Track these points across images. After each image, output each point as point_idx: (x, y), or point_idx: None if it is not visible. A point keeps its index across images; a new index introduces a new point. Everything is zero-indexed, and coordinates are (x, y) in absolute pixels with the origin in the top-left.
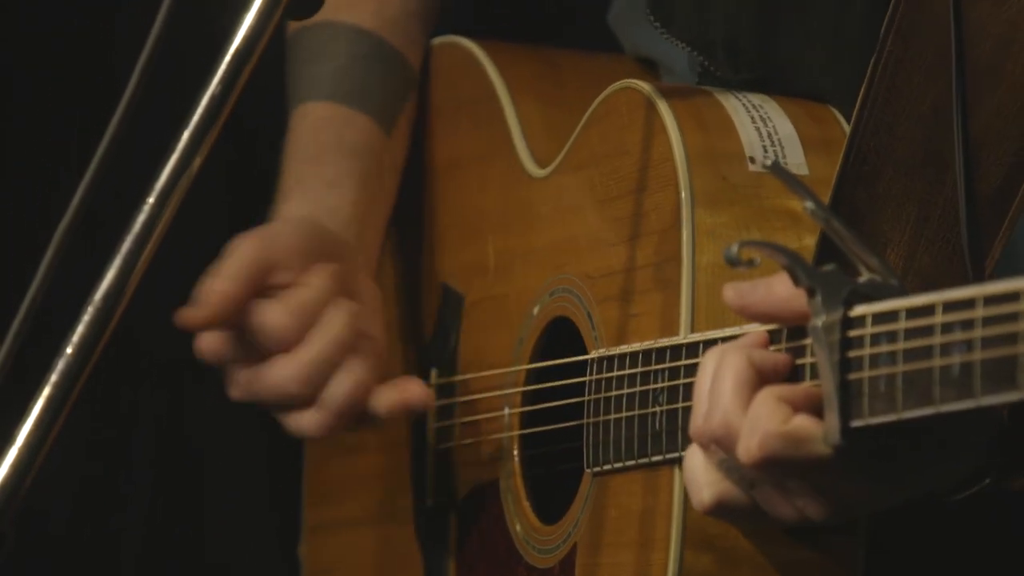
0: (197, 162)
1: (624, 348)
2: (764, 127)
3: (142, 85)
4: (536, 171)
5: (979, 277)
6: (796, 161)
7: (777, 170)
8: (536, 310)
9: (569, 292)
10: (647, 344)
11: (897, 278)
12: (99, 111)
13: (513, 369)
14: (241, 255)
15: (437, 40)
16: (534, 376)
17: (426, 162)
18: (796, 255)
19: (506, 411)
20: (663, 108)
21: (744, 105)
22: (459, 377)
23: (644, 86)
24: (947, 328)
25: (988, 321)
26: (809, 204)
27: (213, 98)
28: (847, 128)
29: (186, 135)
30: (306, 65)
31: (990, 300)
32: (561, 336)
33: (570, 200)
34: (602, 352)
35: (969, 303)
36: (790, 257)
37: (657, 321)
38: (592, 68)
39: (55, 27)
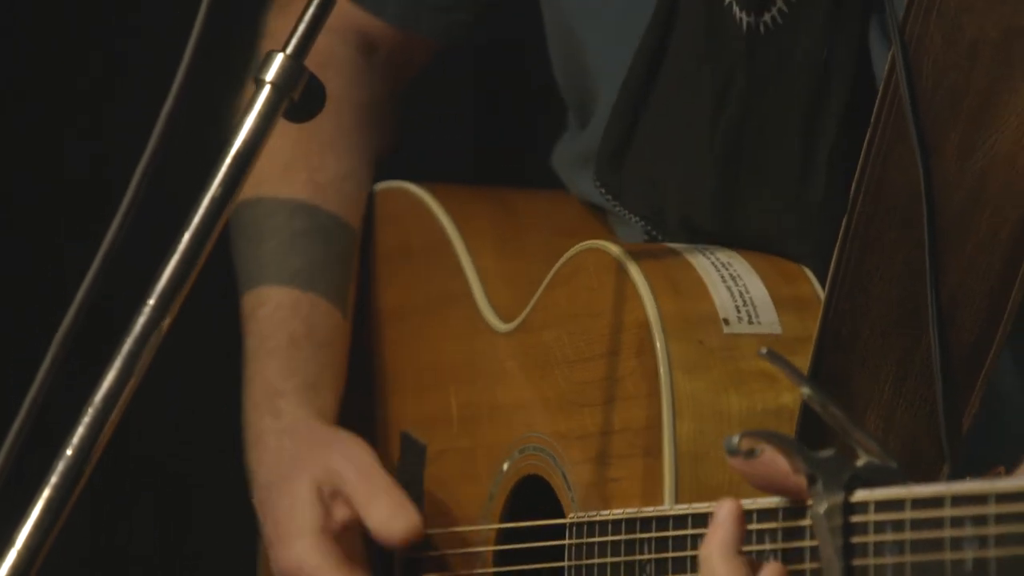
0: (198, 264)
1: (605, 514)
2: (735, 286)
3: (143, 187)
4: (499, 325)
5: (954, 437)
6: (769, 320)
7: (772, 357)
8: (506, 466)
9: (541, 451)
10: (631, 512)
11: (896, 460)
12: (98, 215)
13: (486, 527)
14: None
15: (381, 186)
16: (506, 535)
17: (373, 308)
18: (794, 443)
19: (478, 570)
20: (634, 272)
21: (714, 264)
22: (426, 531)
23: (612, 248)
24: (957, 522)
25: (1002, 519)
26: (806, 390)
27: (214, 200)
28: (817, 285)
29: (187, 236)
30: (249, 245)
31: (1002, 498)
32: (533, 495)
33: (538, 358)
34: (581, 516)
35: (981, 499)
36: (789, 445)
37: (638, 487)
38: (546, 212)
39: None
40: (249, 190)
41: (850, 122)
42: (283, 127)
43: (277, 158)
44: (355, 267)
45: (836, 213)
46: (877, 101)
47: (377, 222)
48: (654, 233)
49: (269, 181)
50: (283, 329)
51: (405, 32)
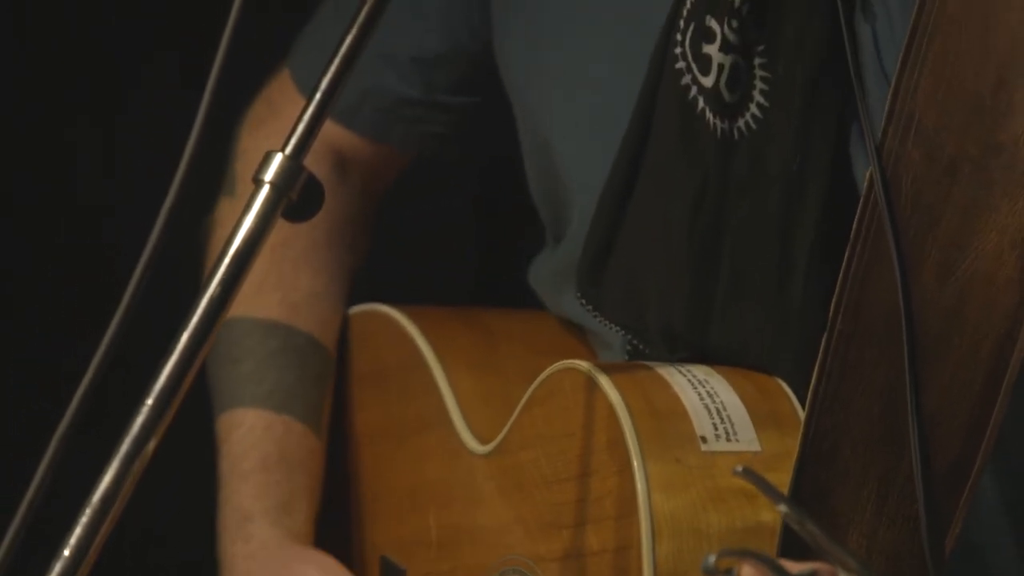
0: (196, 363)
1: None
2: (712, 403)
3: (140, 289)
4: (477, 447)
5: (938, 557)
6: (747, 438)
7: (749, 475)
8: None
9: (520, 573)
10: None
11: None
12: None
13: None
14: None
15: (355, 309)
16: None
17: (350, 430)
18: (773, 561)
19: None
20: (610, 391)
21: (690, 382)
22: None
23: (588, 367)
24: None
25: None
26: (783, 508)
27: (212, 300)
28: (795, 401)
29: (185, 337)
30: (224, 366)
31: None
32: None
33: (516, 480)
34: None
35: None
36: (767, 563)
37: None
38: (523, 331)
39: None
40: None
41: (830, 229)
42: None
43: (251, 277)
44: (330, 387)
45: (815, 322)
46: (856, 220)
47: (352, 344)
48: (635, 343)
49: (243, 301)
50: (256, 452)
51: (378, 145)
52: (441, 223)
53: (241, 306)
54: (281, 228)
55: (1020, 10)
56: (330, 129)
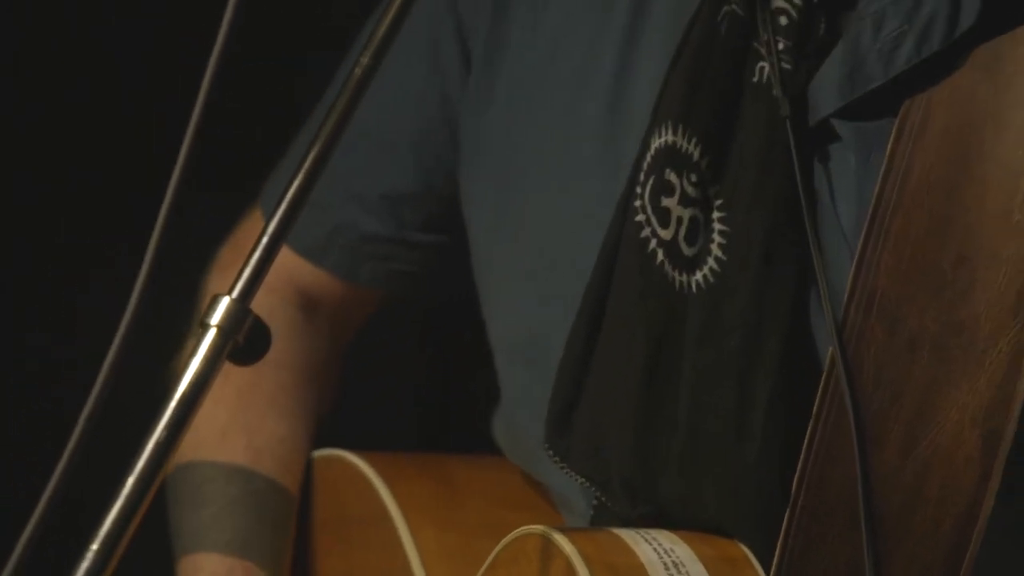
0: (143, 508)
1: None
2: (678, 573)
3: (87, 432)
4: None
5: None
6: None
7: None
8: None
9: None
10: None
11: None
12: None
13: None
14: None
15: (319, 453)
16: None
17: None
18: None
19: None
20: (575, 559)
21: (656, 551)
22: None
23: (554, 535)
24: None
25: None
26: None
27: (159, 444)
28: (760, 569)
29: (131, 481)
30: (186, 511)
31: None
32: None
33: None
34: None
35: None
36: None
37: None
38: (487, 482)
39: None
40: (188, 454)
41: (787, 384)
42: (222, 390)
43: (216, 422)
44: (292, 533)
45: (773, 479)
46: (818, 396)
47: (316, 489)
48: (598, 494)
49: (207, 446)
50: None
51: (346, 283)
52: (402, 363)
53: (206, 450)
54: (247, 370)
55: (981, 188)
56: (298, 267)
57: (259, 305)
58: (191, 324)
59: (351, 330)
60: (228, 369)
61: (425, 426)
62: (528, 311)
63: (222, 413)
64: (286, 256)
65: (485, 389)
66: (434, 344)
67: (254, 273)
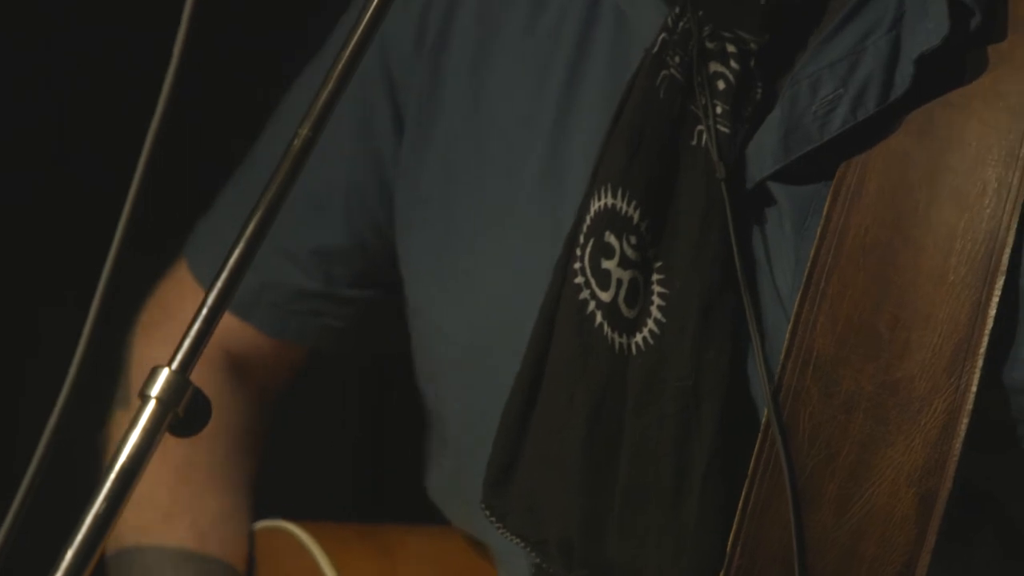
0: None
1: None
2: None
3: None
4: None
5: None
6: None
7: None
8: None
9: None
10: None
11: None
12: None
13: None
14: None
15: (261, 525)
16: None
17: None
18: None
19: None
20: None
21: None
22: None
23: None
24: None
25: None
26: None
27: (97, 517)
28: None
29: (70, 554)
30: None
31: None
32: None
33: None
34: None
35: None
36: None
37: None
38: (428, 552)
39: None
40: (131, 537)
41: (726, 444)
42: (160, 470)
43: (158, 505)
44: None
45: (712, 538)
46: (753, 456)
47: (259, 562)
48: (538, 561)
49: (151, 531)
50: None
51: (275, 339)
52: (337, 423)
53: (150, 535)
54: (182, 446)
55: (916, 250)
56: (226, 323)
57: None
58: (115, 388)
59: (278, 388)
60: (164, 446)
61: (359, 487)
62: (469, 373)
63: (163, 494)
64: None
65: (421, 447)
66: (369, 404)
67: (194, 344)
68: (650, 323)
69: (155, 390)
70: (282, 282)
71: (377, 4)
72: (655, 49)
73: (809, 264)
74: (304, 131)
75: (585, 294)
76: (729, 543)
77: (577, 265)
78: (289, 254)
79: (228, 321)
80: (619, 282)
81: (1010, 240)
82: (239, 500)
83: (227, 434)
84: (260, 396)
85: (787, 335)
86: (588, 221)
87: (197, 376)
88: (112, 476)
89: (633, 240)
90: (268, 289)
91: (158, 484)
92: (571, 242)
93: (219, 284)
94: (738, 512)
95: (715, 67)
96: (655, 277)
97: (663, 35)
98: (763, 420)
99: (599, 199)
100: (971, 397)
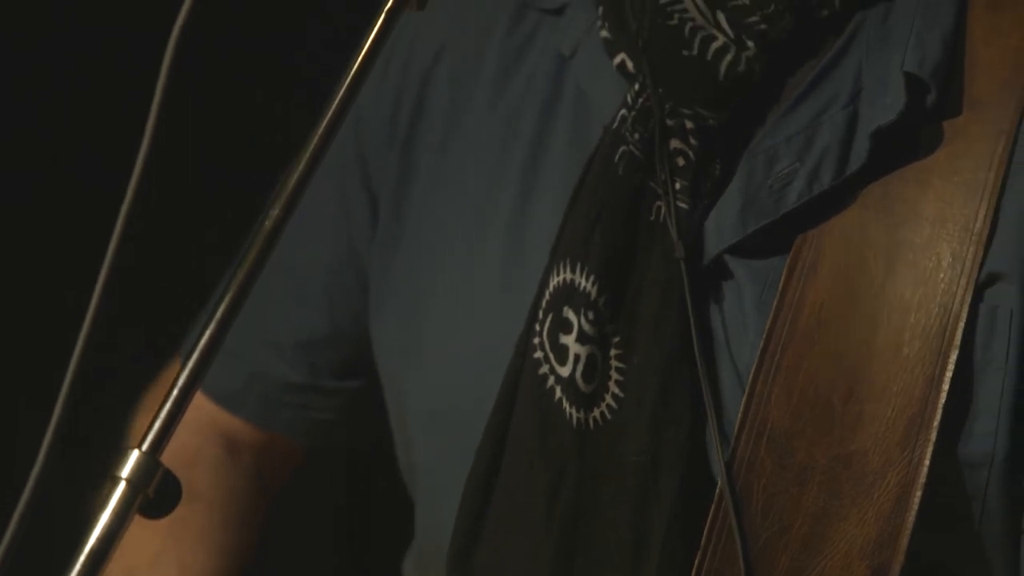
0: None
1: None
2: None
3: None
4: None
5: None
6: None
7: None
8: None
9: None
10: None
11: None
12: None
13: None
14: None
15: None
16: None
17: None
18: None
19: None
20: None
21: None
22: None
23: None
24: None
25: None
26: None
27: None
28: None
29: None
30: None
31: None
32: None
33: None
34: None
35: None
36: None
37: None
38: None
39: None
40: None
41: (684, 515)
42: (154, 523)
43: (148, 548)
44: None
45: None
46: (707, 527)
47: None
48: None
49: (139, 573)
50: None
51: (267, 433)
52: (319, 505)
53: None
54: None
55: (871, 324)
56: (219, 416)
57: (184, 445)
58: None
59: (276, 478)
60: None
61: (342, 567)
62: (434, 450)
63: (155, 539)
64: (206, 401)
65: (402, 529)
66: (351, 487)
67: (164, 425)
68: (608, 398)
69: (125, 471)
70: (268, 375)
71: (350, 82)
72: (614, 125)
73: (764, 338)
74: (275, 212)
75: (544, 369)
76: None
77: (536, 340)
78: (275, 347)
79: (221, 415)
80: (576, 357)
81: (964, 314)
82: (231, 568)
83: (222, 505)
84: (259, 478)
85: (741, 407)
86: (547, 296)
87: (195, 449)
88: (82, 559)
89: (591, 315)
90: (255, 382)
91: (150, 529)
92: (531, 317)
93: (190, 364)
94: None
95: (675, 144)
96: (613, 352)
97: (622, 111)
98: (717, 490)
99: (558, 274)
100: (924, 471)
